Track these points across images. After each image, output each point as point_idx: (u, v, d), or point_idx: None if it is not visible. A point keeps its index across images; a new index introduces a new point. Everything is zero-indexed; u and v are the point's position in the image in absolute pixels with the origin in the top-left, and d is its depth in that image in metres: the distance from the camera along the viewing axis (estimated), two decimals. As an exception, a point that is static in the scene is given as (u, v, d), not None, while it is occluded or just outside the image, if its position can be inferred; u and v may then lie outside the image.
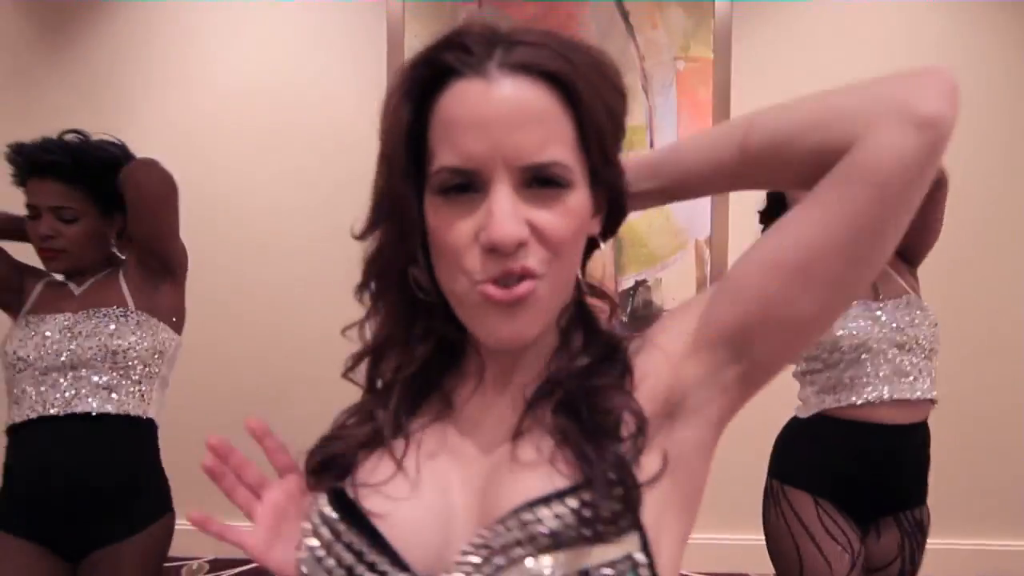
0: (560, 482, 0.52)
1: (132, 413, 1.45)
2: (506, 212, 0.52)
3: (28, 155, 1.44)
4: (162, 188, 1.48)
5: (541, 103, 0.54)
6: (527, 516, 0.51)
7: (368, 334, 0.64)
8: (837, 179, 0.53)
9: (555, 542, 0.50)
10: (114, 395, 1.43)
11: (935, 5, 2.75)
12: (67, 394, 1.40)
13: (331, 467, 0.60)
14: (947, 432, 2.75)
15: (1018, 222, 2.76)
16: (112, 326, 1.43)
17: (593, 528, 0.50)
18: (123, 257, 1.56)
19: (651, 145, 2.77)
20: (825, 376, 1.52)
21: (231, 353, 2.86)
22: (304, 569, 0.56)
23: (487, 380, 0.62)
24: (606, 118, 0.56)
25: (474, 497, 0.57)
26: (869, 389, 1.47)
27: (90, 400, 1.40)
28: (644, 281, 2.75)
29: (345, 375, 0.65)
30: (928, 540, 1.57)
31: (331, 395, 0.71)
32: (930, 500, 1.63)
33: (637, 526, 0.52)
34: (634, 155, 0.64)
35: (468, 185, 0.54)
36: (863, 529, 1.51)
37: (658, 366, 0.58)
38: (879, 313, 1.52)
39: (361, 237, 0.61)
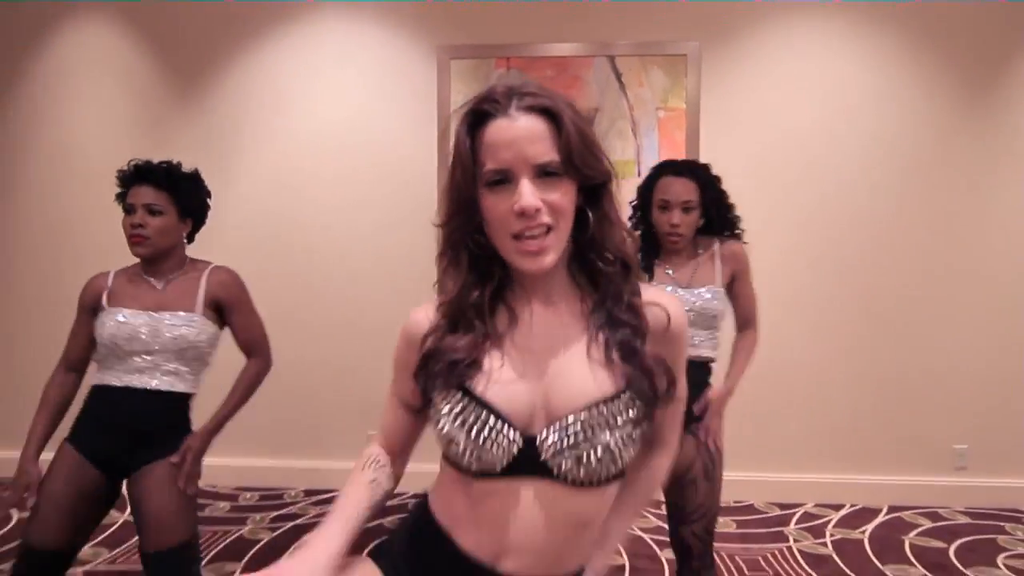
0: (617, 385, 0.89)
1: (185, 391, 1.89)
2: (528, 192, 0.86)
3: (136, 167, 1.95)
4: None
5: (540, 127, 0.88)
6: (602, 408, 0.88)
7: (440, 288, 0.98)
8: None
9: (616, 424, 0.88)
10: (176, 378, 1.86)
11: (859, 66, 3.54)
12: (144, 374, 1.83)
13: (452, 370, 0.91)
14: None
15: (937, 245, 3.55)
16: (184, 328, 1.84)
17: (639, 418, 0.90)
18: (207, 266, 1.95)
19: (639, 174, 3.58)
20: None
21: (316, 338, 3.70)
22: (447, 431, 0.89)
23: (535, 303, 0.96)
24: (578, 134, 0.88)
25: (545, 380, 0.91)
26: None
27: (157, 380, 1.84)
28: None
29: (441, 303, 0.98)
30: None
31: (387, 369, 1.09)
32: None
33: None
34: None
35: (503, 180, 0.88)
36: None
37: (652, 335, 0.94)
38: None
39: (442, 224, 0.94)
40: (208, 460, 1.94)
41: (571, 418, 0.89)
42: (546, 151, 0.87)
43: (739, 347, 2.16)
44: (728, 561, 2.86)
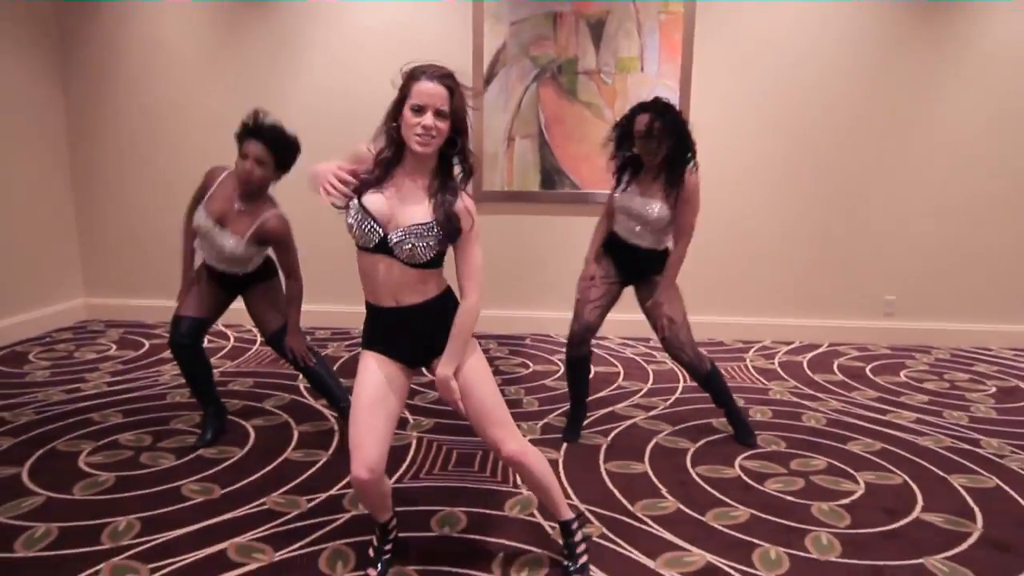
0: (428, 219, 1.68)
1: (253, 270, 2.71)
2: (430, 119, 1.62)
3: (255, 126, 2.54)
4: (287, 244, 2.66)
5: (442, 90, 1.63)
6: (417, 228, 1.67)
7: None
8: None
9: (428, 231, 1.68)
10: (242, 265, 2.66)
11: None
12: (222, 263, 2.64)
13: (361, 189, 1.70)
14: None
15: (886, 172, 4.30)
16: (231, 247, 2.56)
17: (439, 234, 1.68)
18: (267, 211, 2.58)
19: (642, 69, 4.28)
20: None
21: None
22: (350, 221, 1.69)
23: (406, 172, 1.71)
24: (460, 102, 1.66)
25: (399, 207, 1.68)
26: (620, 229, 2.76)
27: (224, 268, 2.66)
28: (634, 158, 4.36)
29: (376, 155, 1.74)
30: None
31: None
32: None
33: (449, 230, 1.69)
34: None
35: (420, 109, 1.62)
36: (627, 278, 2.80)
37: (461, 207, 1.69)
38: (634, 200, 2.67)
39: (386, 117, 1.69)
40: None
41: (402, 229, 1.68)
42: (442, 104, 1.64)
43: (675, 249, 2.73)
44: (698, 371, 3.83)
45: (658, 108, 2.57)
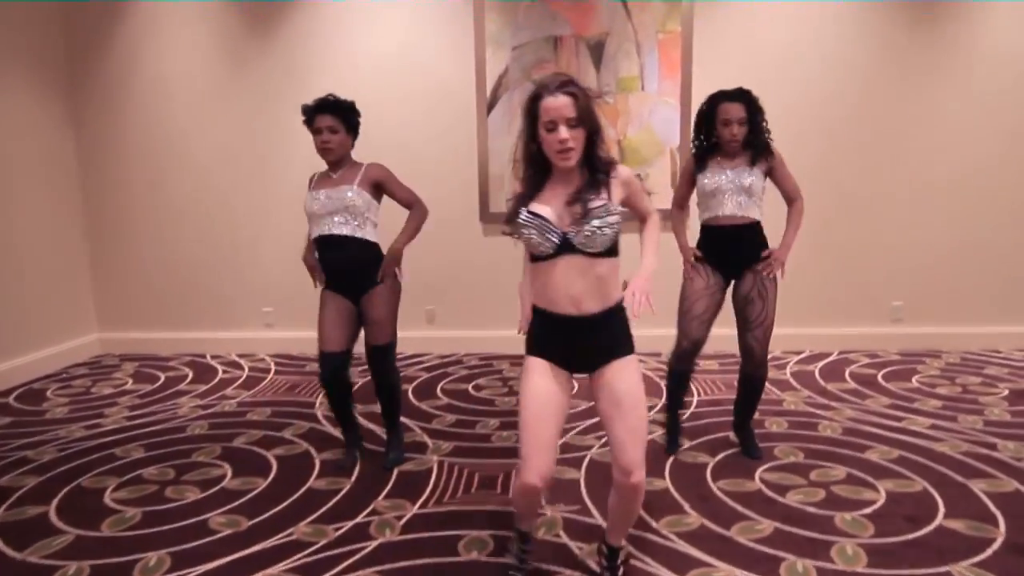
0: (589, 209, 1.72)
1: (362, 237, 2.74)
2: (564, 133, 1.68)
3: (317, 103, 2.73)
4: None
5: (568, 100, 1.66)
6: (592, 219, 1.72)
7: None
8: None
9: (604, 211, 1.73)
10: (352, 227, 2.71)
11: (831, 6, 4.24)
12: (329, 226, 2.70)
13: (518, 204, 1.78)
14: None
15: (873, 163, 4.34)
16: (349, 194, 2.69)
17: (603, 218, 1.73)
18: (363, 164, 2.78)
19: (642, 88, 4.35)
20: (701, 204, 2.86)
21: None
22: (526, 232, 1.74)
23: (556, 181, 1.78)
24: (586, 106, 1.69)
25: (565, 210, 1.73)
26: (718, 210, 2.78)
27: (341, 229, 2.70)
28: (638, 174, 4.40)
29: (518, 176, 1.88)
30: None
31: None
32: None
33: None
34: None
35: (552, 125, 1.69)
36: (728, 278, 2.92)
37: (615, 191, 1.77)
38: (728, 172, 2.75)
39: (523, 142, 1.77)
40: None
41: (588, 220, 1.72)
42: (571, 112, 1.68)
43: (789, 216, 2.97)
44: (711, 384, 3.85)
45: (743, 96, 2.75)
